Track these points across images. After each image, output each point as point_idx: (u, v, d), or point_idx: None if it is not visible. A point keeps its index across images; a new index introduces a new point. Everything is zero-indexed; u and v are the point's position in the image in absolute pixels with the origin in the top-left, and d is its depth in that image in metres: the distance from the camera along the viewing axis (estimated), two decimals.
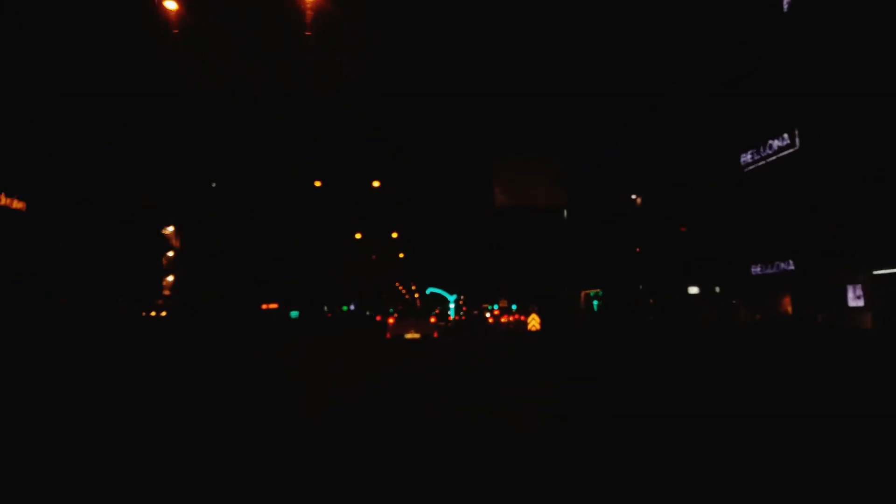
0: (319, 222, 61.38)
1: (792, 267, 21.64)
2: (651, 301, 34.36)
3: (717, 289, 28.39)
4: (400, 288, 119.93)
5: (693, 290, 29.56)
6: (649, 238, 33.82)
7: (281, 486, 4.47)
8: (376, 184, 43.83)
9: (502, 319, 61.82)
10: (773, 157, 22.42)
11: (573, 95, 37.28)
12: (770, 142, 22.54)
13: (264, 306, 54.00)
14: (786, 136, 21.74)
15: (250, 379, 11.80)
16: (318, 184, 44.03)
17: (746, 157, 24.18)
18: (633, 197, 35.50)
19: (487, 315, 70.84)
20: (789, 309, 23.91)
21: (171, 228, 57.16)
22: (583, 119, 36.87)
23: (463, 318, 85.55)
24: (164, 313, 52.09)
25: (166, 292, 57.83)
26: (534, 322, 30.45)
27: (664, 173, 32.14)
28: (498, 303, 68.30)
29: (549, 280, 39.06)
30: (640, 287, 34.63)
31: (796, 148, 21.23)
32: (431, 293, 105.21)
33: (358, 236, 58.96)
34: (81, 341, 20.90)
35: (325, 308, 72.81)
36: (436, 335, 28.86)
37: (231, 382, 11.33)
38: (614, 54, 34.18)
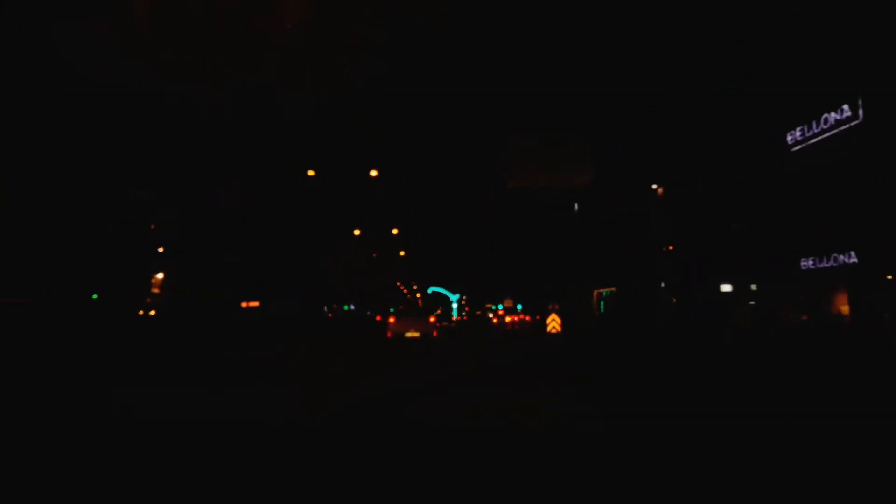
0: (318, 221, 59.59)
1: (854, 259, 18.62)
2: (674, 301, 31.38)
3: (753, 286, 25.40)
4: (401, 287, 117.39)
5: (726, 287, 26.52)
6: (673, 230, 30.85)
7: (281, 485, 4.54)
8: (374, 173, 41.00)
9: (507, 319, 59.28)
10: (830, 133, 19.42)
11: (588, 96, 34.68)
12: (825, 115, 19.54)
13: (244, 304, 51.36)
14: (846, 107, 18.76)
15: (249, 378, 11.79)
16: (311, 173, 41.16)
17: (794, 135, 21.18)
18: (655, 187, 32.55)
19: (490, 315, 68.09)
20: (843, 308, 20.91)
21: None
22: (599, 111, 34.19)
23: (465, 318, 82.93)
24: (152, 312, 49.50)
25: (155, 290, 55.49)
26: (553, 323, 27.41)
27: (690, 159, 29.21)
28: (503, 302, 65.45)
29: (563, 278, 36.48)
30: (662, 285, 31.66)
31: (860, 121, 18.24)
32: (433, 292, 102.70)
33: (357, 233, 56.65)
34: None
35: (325, 308, 70.82)
36: (435, 334, 29.06)
37: (227, 381, 11.28)
38: (627, 44, 31.61)
